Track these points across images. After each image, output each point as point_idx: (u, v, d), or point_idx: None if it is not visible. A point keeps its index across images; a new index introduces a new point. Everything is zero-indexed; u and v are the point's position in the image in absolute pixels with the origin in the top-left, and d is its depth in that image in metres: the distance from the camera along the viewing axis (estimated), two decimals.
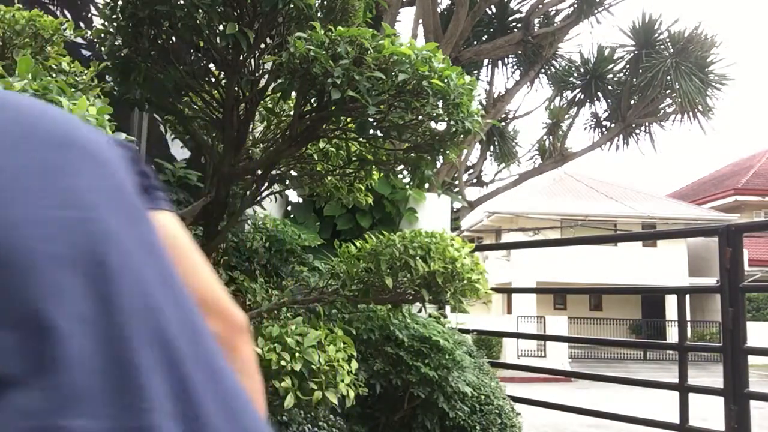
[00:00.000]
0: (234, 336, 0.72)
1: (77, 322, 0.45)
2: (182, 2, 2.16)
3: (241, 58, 2.39)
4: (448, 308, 4.21)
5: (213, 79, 2.57)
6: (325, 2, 2.48)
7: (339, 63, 2.05)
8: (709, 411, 4.17)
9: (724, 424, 3.13)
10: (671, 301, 20.20)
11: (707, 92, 10.29)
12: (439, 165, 7.84)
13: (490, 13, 10.02)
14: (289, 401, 2.04)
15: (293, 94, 2.36)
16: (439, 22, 7.91)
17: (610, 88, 11.27)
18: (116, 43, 2.40)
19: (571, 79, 11.48)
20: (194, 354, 0.53)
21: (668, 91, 10.53)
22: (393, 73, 2.08)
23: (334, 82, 2.03)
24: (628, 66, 10.96)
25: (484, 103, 10.42)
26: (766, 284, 5.72)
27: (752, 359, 3.52)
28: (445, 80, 2.18)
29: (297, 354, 2.09)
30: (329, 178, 3.14)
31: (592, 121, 11.87)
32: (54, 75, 2.42)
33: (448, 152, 2.54)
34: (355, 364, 2.27)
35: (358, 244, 2.69)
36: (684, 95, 10.01)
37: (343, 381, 2.16)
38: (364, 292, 2.61)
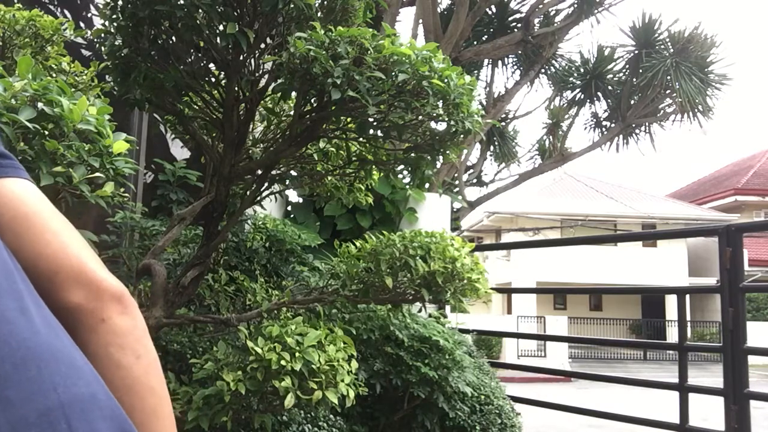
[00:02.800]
0: (102, 306, 0.67)
1: None
2: (182, 2, 2.16)
3: (241, 58, 2.39)
4: (448, 308, 4.21)
5: (213, 79, 2.57)
6: (325, 2, 2.48)
7: (339, 63, 2.05)
8: (709, 411, 4.17)
9: (724, 424, 3.13)
10: (671, 301, 20.20)
11: (707, 92, 10.30)
12: (439, 165, 7.84)
13: (490, 13, 10.02)
14: (289, 401, 2.04)
15: (293, 94, 2.36)
16: (439, 22, 7.90)
17: (610, 88, 11.28)
18: (116, 43, 2.40)
19: (571, 79, 11.49)
20: None
21: (668, 91, 10.54)
22: (393, 73, 2.08)
23: (334, 82, 2.03)
24: (628, 66, 10.97)
25: (484, 103, 10.43)
26: (766, 284, 5.71)
27: (752, 359, 3.52)
28: (445, 80, 2.18)
29: (297, 354, 2.09)
30: (329, 178, 3.14)
31: (592, 121, 11.89)
32: (54, 75, 2.42)
33: (448, 152, 2.54)
34: (355, 364, 2.27)
35: (358, 244, 2.69)
36: (684, 95, 10.02)
37: (343, 381, 2.16)
38: (364, 292, 2.60)
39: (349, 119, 2.55)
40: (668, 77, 10.06)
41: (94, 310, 0.66)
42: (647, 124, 11.29)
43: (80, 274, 0.67)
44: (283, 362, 2.05)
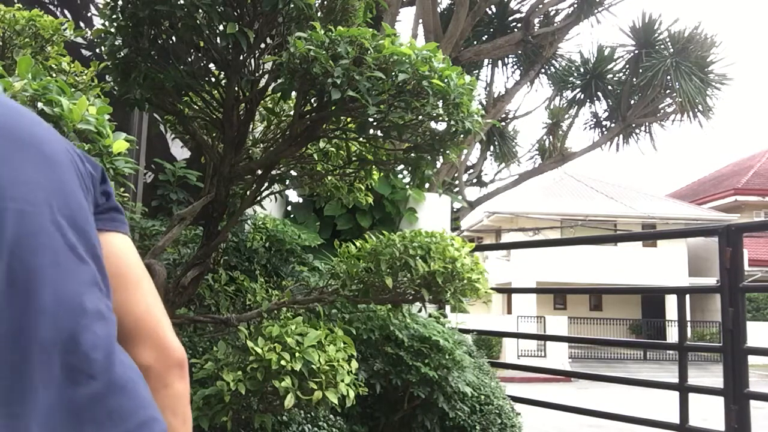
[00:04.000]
0: (168, 371, 0.73)
1: None
2: (182, 2, 2.16)
3: (241, 58, 2.39)
4: (448, 308, 4.21)
5: (213, 79, 2.57)
6: (325, 2, 2.48)
7: (339, 63, 2.05)
8: (709, 411, 4.17)
9: (724, 424, 3.13)
10: (671, 301, 20.19)
11: (707, 92, 10.29)
12: (439, 165, 7.84)
13: (490, 13, 10.02)
14: (289, 401, 2.04)
15: (293, 94, 2.36)
16: (439, 22, 7.90)
17: (610, 88, 11.27)
18: (116, 43, 2.40)
19: (571, 79, 11.48)
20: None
21: (668, 91, 10.53)
22: (393, 73, 2.08)
23: (334, 82, 2.03)
24: (628, 66, 10.96)
25: (484, 103, 10.42)
26: (766, 284, 5.73)
27: (752, 359, 3.52)
28: (445, 80, 2.18)
29: (297, 354, 2.09)
30: (329, 178, 3.14)
31: (592, 121, 11.88)
32: (54, 75, 2.42)
33: (448, 152, 2.54)
34: (355, 364, 2.27)
35: (358, 244, 2.69)
36: (684, 95, 10.01)
37: (343, 381, 2.16)
38: (364, 292, 2.60)
39: (349, 119, 2.55)
40: (668, 77, 10.06)
41: (160, 374, 0.72)
42: (647, 123, 11.28)
43: (157, 339, 0.73)
44: (283, 362, 2.05)
